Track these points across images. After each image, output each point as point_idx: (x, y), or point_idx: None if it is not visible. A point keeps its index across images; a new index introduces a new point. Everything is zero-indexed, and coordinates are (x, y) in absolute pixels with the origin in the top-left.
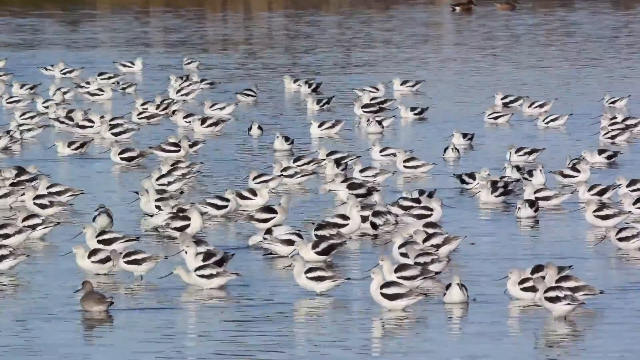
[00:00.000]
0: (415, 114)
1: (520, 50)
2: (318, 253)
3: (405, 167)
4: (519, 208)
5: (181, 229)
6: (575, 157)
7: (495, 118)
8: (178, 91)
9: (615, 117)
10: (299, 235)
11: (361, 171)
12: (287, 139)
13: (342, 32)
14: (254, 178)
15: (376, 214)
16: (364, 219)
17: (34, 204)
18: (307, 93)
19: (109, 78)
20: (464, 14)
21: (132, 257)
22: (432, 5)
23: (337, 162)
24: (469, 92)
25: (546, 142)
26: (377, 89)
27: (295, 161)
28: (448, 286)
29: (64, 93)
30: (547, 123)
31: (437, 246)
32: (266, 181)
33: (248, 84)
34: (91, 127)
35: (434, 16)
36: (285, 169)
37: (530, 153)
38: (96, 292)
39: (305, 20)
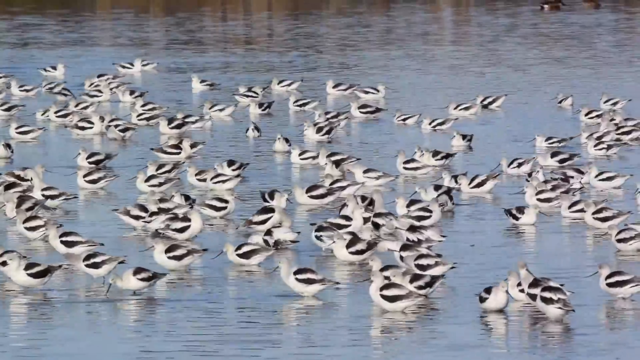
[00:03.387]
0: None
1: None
2: (239, 256)
3: (405, 168)
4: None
5: (182, 231)
6: (516, 158)
7: (404, 120)
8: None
9: (613, 119)
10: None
11: (364, 172)
12: (287, 140)
13: (342, 32)
14: (196, 174)
15: (378, 215)
16: (366, 220)
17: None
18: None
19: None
20: (552, 11)
21: (92, 260)
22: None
23: (337, 164)
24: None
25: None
26: (378, 90)
27: (229, 165)
28: (488, 290)
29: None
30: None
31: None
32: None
33: (248, 84)
34: (90, 128)
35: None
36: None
37: (446, 157)
38: None
39: (305, 20)
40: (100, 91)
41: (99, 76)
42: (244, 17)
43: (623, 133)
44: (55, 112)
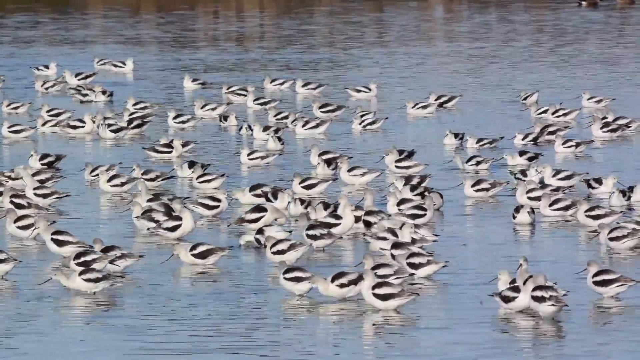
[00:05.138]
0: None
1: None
2: (195, 256)
3: (397, 167)
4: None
5: (173, 229)
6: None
7: (370, 123)
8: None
9: (605, 118)
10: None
11: (349, 170)
12: (279, 139)
13: (334, 30)
14: (142, 173)
15: (369, 213)
16: (357, 218)
17: (11, 202)
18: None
19: (86, 77)
20: (589, 8)
21: (82, 259)
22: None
23: (328, 162)
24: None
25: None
26: (370, 89)
27: (190, 167)
28: (515, 289)
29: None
30: (364, 126)
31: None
32: (159, 178)
33: (240, 83)
34: (82, 127)
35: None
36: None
37: (409, 155)
38: None
39: (297, 18)
40: (93, 90)
41: (75, 75)
42: (236, 16)
43: (611, 130)
44: (47, 111)
